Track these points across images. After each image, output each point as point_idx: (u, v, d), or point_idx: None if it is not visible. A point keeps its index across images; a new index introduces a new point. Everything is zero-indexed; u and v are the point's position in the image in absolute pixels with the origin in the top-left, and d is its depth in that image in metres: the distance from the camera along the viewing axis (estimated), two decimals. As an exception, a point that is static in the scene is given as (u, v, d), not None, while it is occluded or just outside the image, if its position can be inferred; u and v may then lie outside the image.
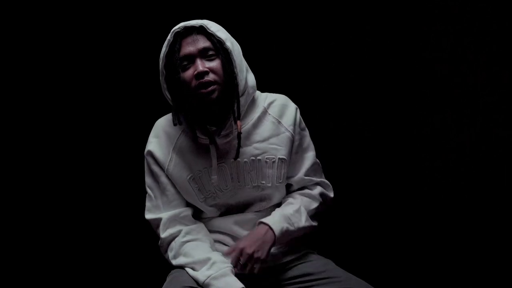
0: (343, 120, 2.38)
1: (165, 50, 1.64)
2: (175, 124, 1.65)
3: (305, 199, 1.75)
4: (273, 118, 1.72)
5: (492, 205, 2.22)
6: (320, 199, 1.76)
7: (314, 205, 1.75)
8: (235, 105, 1.63)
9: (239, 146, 1.65)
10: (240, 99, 1.65)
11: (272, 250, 1.70)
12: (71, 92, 2.49)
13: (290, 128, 1.72)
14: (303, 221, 1.69)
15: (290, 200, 1.75)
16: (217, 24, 1.67)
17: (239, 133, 1.64)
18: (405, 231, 2.35)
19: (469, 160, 2.25)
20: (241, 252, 1.60)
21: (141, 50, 2.44)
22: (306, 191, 1.77)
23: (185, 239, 1.67)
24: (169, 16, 2.34)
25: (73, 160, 2.50)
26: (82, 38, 2.46)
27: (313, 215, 1.74)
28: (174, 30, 1.63)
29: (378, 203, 2.37)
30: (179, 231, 1.68)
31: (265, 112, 1.72)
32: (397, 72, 2.32)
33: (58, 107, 2.48)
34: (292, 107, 1.76)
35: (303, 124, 1.78)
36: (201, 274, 1.58)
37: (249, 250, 1.59)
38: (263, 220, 1.66)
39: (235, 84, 1.63)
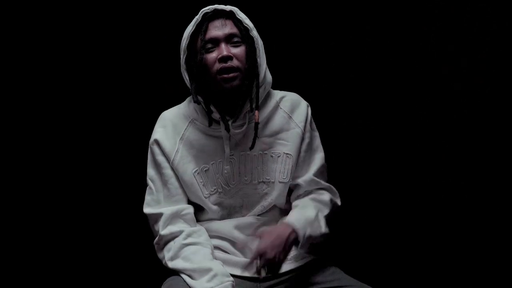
0: (343, 120, 2.38)
1: (191, 29, 1.61)
2: (194, 101, 1.61)
3: (318, 204, 1.69)
4: (284, 113, 1.70)
5: (492, 205, 2.22)
6: (331, 205, 1.71)
7: (326, 211, 1.69)
8: (254, 94, 1.61)
9: (255, 136, 1.62)
10: (259, 89, 1.62)
11: None
12: (71, 85, 2.46)
13: (301, 125, 1.69)
14: (323, 227, 1.64)
15: (304, 203, 1.68)
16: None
17: (257, 123, 1.61)
18: (406, 232, 2.34)
19: (469, 160, 2.24)
20: (261, 255, 1.52)
21: (140, 44, 2.43)
22: (316, 196, 1.72)
23: (186, 241, 1.60)
24: (170, 13, 2.36)
25: (72, 155, 2.48)
26: (83, 29, 2.44)
27: (325, 218, 1.68)
28: (204, 10, 1.61)
29: (377, 204, 2.37)
30: (181, 231, 1.61)
31: (276, 106, 1.70)
32: (397, 72, 2.31)
33: (57, 100, 2.46)
34: (303, 104, 1.74)
35: (314, 125, 1.76)
36: (200, 285, 1.51)
37: (270, 255, 1.52)
38: (289, 221, 1.59)
39: (257, 73, 1.61)
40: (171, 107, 1.76)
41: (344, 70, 2.38)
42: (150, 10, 2.43)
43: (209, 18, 1.60)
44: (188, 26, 1.63)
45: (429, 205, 2.31)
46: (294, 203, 1.71)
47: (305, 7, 2.38)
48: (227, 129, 1.61)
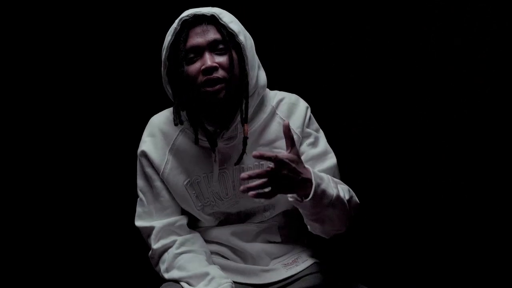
0: (343, 120, 2.38)
1: (170, 39, 1.47)
2: (176, 124, 1.50)
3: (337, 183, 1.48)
4: (280, 119, 1.57)
5: (492, 205, 2.21)
6: (353, 194, 1.53)
7: (348, 196, 1.47)
8: (243, 105, 1.48)
9: (243, 152, 1.50)
10: (249, 99, 1.50)
11: (273, 265, 1.58)
12: (62, 89, 2.45)
13: (298, 131, 1.57)
14: (341, 191, 1.42)
15: None
16: (230, 14, 1.51)
17: (245, 138, 1.49)
18: (406, 232, 2.34)
19: (469, 160, 2.24)
20: (278, 165, 1.28)
21: (130, 45, 2.41)
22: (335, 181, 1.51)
23: (179, 250, 1.53)
24: (163, 11, 2.33)
25: (62, 161, 2.46)
26: (71, 34, 2.42)
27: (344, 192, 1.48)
28: (182, 17, 1.47)
29: (377, 204, 2.36)
30: (173, 242, 1.55)
31: (273, 112, 1.58)
32: (397, 72, 2.31)
33: (46, 106, 2.44)
34: (302, 107, 1.61)
35: (316, 125, 1.64)
36: None
37: (285, 171, 1.29)
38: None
39: (245, 83, 1.47)
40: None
41: (344, 70, 2.37)
42: (141, 6, 2.41)
43: (189, 25, 1.46)
44: (167, 35, 1.49)
45: (429, 205, 2.30)
46: None
47: (305, 7, 2.38)
48: (213, 147, 1.51)
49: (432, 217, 2.30)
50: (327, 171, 1.56)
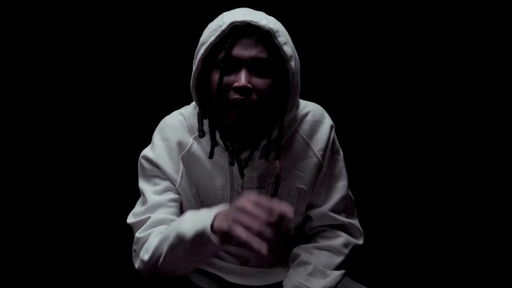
0: (347, 121, 2.38)
1: (214, 40, 1.27)
2: (200, 136, 1.36)
3: (324, 254, 1.45)
4: (301, 139, 1.45)
5: (493, 205, 2.22)
6: (346, 252, 1.47)
7: (337, 260, 1.45)
8: (274, 136, 1.34)
9: (275, 192, 1.38)
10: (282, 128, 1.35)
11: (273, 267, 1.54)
12: (61, 89, 2.44)
13: (320, 154, 1.45)
14: (321, 282, 1.40)
15: (302, 257, 1.45)
16: (287, 33, 1.35)
17: (278, 176, 1.36)
18: (408, 233, 2.36)
19: (470, 161, 2.25)
20: None
21: (133, 42, 2.41)
22: (327, 243, 1.48)
23: (162, 228, 1.35)
24: (165, 14, 2.34)
25: (63, 160, 2.46)
26: (75, 32, 2.42)
27: (338, 268, 1.45)
28: (234, 22, 1.26)
29: (379, 205, 2.37)
30: (159, 228, 1.37)
31: (295, 130, 1.45)
32: (401, 73, 2.33)
33: (49, 106, 2.44)
34: (326, 126, 1.47)
35: (337, 146, 1.51)
36: (186, 222, 1.23)
37: None
38: None
39: (281, 114, 1.32)
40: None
41: (344, 69, 2.38)
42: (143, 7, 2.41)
43: (238, 32, 1.26)
44: (209, 33, 1.29)
45: (429, 205, 2.32)
46: (296, 251, 1.49)
47: (307, 7, 2.38)
48: (242, 174, 1.36)
49: (432, 217, 2.31)
50: (337, 205, 1.50)
